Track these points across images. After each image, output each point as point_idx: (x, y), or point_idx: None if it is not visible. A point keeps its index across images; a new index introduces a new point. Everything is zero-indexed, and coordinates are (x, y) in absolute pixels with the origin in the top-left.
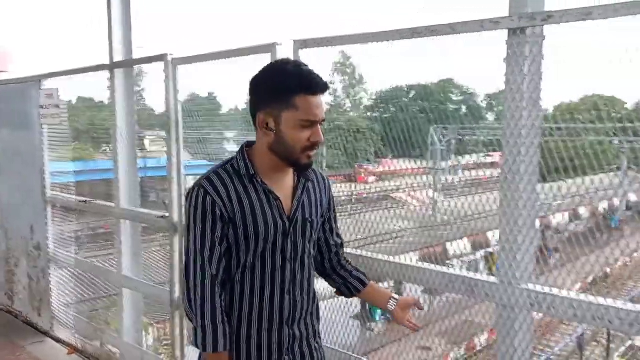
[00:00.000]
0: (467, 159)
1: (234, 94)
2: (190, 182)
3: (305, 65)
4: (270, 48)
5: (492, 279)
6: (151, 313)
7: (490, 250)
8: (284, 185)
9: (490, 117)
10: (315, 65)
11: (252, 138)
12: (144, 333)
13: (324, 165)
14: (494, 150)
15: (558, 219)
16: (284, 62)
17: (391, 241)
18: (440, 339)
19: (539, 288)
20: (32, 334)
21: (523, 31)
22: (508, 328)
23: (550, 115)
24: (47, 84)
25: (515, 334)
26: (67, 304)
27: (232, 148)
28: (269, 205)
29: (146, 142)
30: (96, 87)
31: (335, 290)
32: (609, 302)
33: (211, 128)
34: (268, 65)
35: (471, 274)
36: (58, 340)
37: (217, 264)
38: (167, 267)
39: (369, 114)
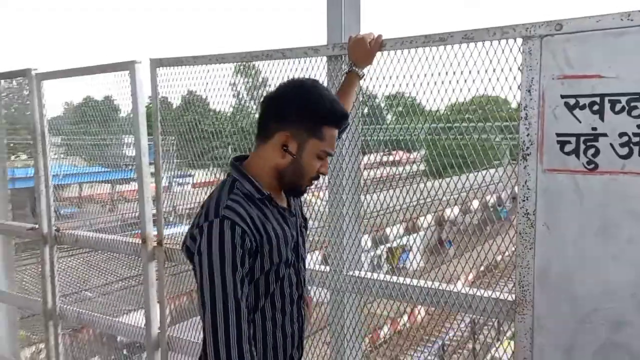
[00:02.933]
0: (369, 158)
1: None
2: (86, 189)
3: (328, 91)
4: (129, 65)
5: (327, 268)
6: (35, 326)
7: (389, 245)
8: (282, 198)
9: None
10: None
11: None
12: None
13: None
14: (394, 149)
15: (454, 212)
16: (318, 87)
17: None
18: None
19: (360, 274)
20: None
21: (337, 58)
22: (341, 310)
23: (442, 115)
24: None
25: (347, 315)
26: None
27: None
28: (286, 225)
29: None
30: None
31: None
32: (414, 282)
33: (108, 133)
34: (302, 84)
35: (317, 266)
36: None
37: (248, 313)
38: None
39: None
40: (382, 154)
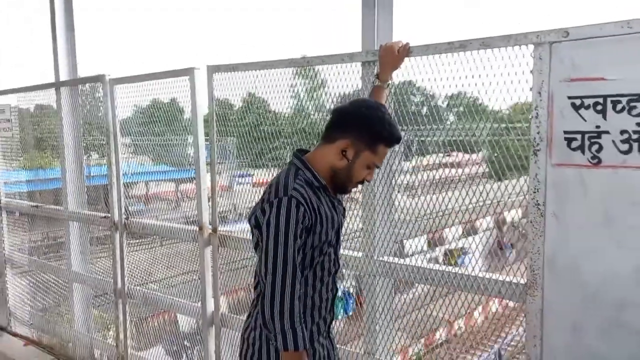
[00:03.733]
0: (428, 159)
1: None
2: (152, 187)
3: (389, 115)
4: (189, 72)
5: (359, 254)
6: (105, 307)
7: (448, 247)
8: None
9: (451, 118)
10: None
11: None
12: (94, 324)
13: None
14: (452, 150)
15: (517, 215)
16: (382, 111)
17: (355, 239)
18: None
19: (387, 259)
20: None
21: (371, 64)
22: (371, 292)
23: (506, 116)
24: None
25: (377, 296)
26: (22, 302)
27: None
28: (335, 211)
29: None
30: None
31: None
32: (430, 265)
33: (172, 133)
34: (369, 105)
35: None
36: (15, 335)
37: (300, 276)
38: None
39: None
40: (441, 154)
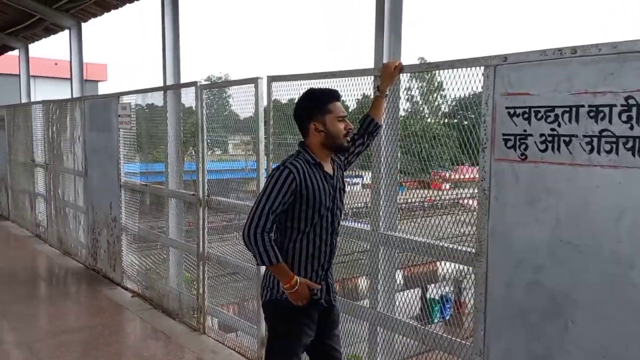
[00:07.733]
0: None
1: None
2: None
3: (318, 88)
4: (255, 80)
5: (367, 227)
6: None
7: None
8: (329, 167)
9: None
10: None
11: None
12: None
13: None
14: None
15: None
16: (310, 89)
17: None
18: None
19: (388, 232)
20: (109, 284)
21: (378, 77)
22: (375, 258)
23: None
24: (124, 98)
25: (379, 261)
26: (132, 263)
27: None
28: (326, 183)
29: (230, 146)
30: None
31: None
32: (415, 237)
33: (290, 133)
34: (304, 94)
35: (360, 226)
36: (126, 288)
37: (274, 218)
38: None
39: (446, 120)
40: None
